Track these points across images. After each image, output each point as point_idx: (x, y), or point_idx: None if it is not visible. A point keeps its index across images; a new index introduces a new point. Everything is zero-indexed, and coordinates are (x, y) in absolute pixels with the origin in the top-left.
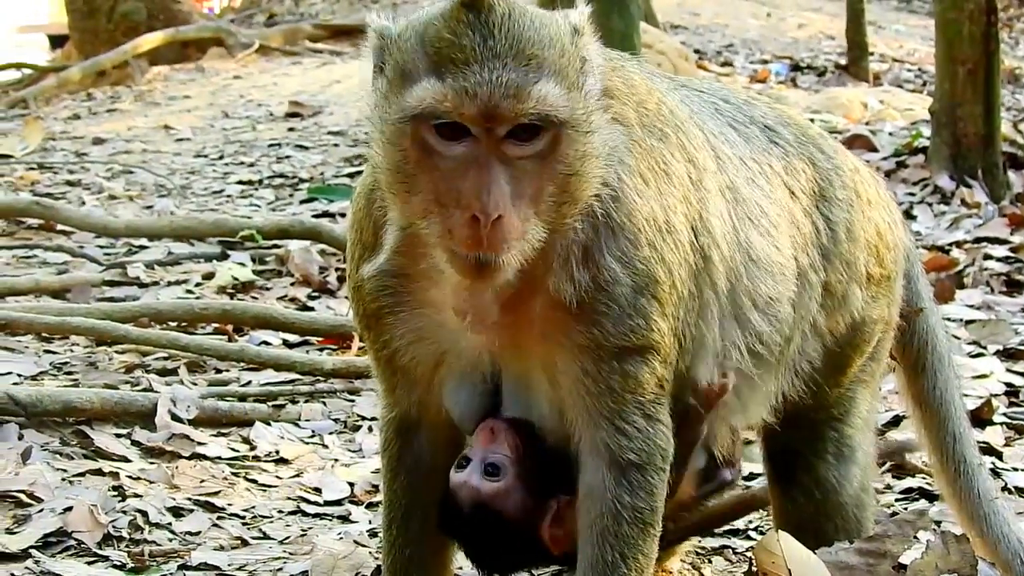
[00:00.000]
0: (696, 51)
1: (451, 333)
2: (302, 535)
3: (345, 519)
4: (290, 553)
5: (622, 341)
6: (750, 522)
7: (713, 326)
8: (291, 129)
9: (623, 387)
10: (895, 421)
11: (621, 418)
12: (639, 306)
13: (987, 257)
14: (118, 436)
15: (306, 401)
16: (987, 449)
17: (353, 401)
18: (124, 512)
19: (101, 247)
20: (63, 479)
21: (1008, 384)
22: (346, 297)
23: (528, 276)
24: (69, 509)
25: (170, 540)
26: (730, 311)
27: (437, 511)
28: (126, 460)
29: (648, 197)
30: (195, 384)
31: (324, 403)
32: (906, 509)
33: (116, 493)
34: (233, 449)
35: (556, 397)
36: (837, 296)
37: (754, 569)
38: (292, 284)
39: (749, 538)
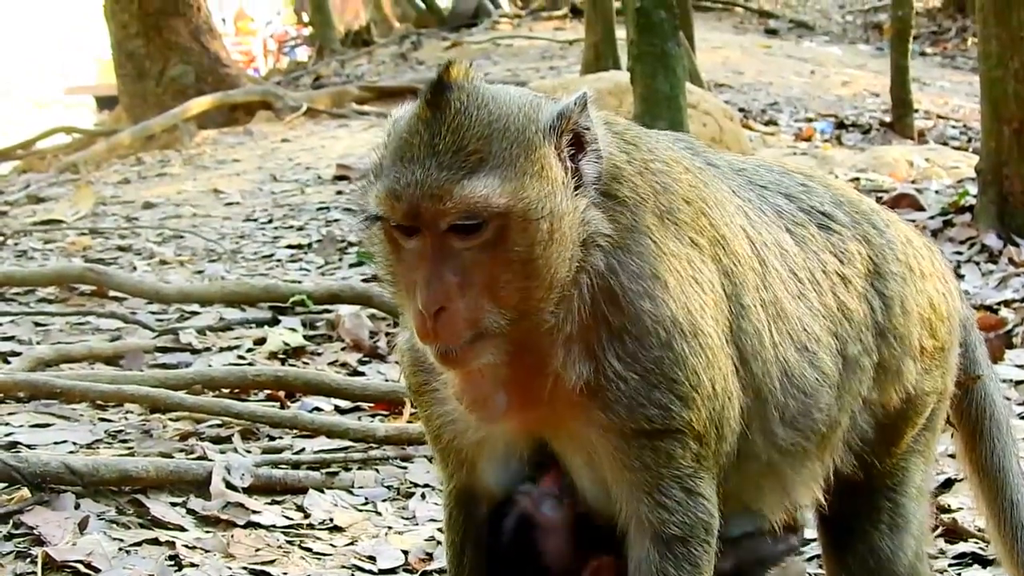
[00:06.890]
0: (741, 110)
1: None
2: None
3: None
4: None
5: (642, 425)
6: None
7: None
8: (339, 192)
9: (656, 463)
10: (947, 484)
11: (660, 492)
12: (654, 398)
13: None
14: (173, 505)
15: (359, 468)
16: None
17: (406, 468)
18: None
19: (153, 313)
20: (120, 548)
21: None
22: (397, 362)
23: (529, 359)
24: None
25: None
26: (757, 425)
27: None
28: (182, 529)
29: (663, 299)
30: (249, 452)
31: (377, 470)
32: None
33: (172, 563)
34: (287, 517)
35: (596, 474)
36: (891, 371)
37: None
38: (343, 349)
39: None
